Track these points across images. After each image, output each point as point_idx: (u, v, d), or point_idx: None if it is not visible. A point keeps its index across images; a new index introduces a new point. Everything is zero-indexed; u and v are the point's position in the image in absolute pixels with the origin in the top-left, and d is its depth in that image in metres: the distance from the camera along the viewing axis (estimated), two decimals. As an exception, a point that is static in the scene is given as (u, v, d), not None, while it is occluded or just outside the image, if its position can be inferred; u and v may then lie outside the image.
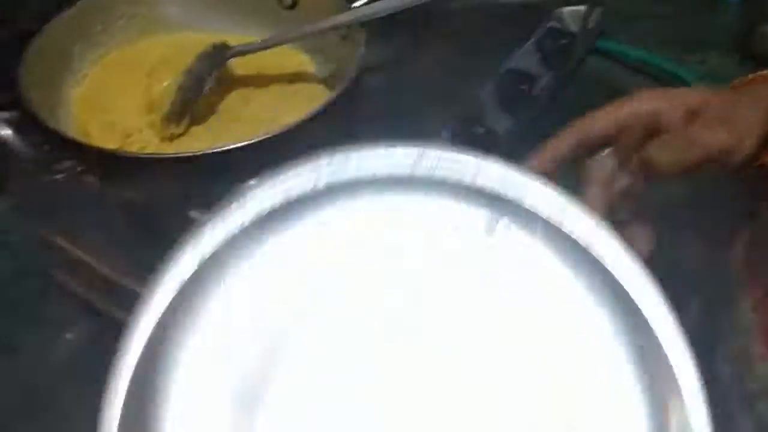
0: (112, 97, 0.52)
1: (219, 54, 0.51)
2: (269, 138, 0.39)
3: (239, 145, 0.39)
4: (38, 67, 0.46)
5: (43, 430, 0.49)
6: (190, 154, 0.38)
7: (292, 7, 0.55)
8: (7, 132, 0.36)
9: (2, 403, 0.51)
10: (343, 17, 0.49)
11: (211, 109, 0.51)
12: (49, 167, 0.38)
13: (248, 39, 0.57)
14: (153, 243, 0.51)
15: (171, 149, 0.49)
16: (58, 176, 0.38)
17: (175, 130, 0.49)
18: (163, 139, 0.50)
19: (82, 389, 0.49)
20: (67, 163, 0.38)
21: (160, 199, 0.50)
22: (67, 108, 0.50)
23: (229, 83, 0.52)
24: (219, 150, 0.39)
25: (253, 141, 0.39)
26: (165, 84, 0.52)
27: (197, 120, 0.50)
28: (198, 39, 0.56)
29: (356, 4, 0.52)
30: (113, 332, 0.52)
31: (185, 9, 0.57)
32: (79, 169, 0.39)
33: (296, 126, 0.40)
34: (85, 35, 0.52)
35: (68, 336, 0.55)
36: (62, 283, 0.55)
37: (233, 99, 0.52)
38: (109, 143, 0.48)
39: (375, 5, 0.48)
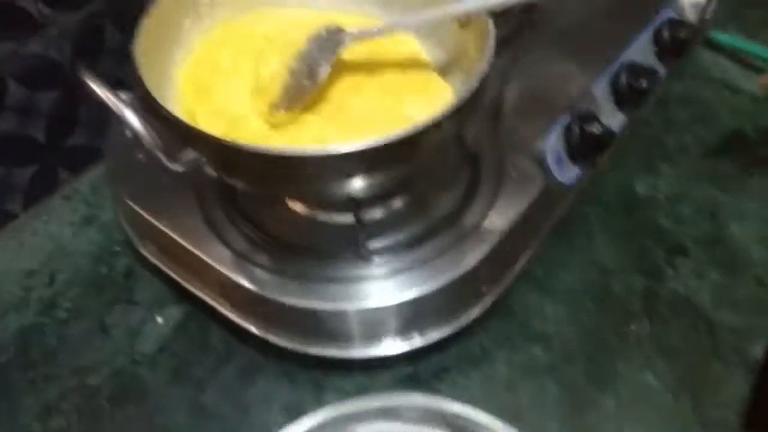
0: (218, 79, 0.49)
1: (333, 39, 0.48)
2: (400, 138, 0.37)
3: (370, 145, 0.36)
4: (153, 42, 0.44)
5: (132, 418, 0.49)
6: (324, 154, 0.36)
7: (407, -12, 0.52)
8: (130, 115, 0.34)
9: (92, 384, 0.51)
10: (472, 3, 0.45)
11: (319, 96, 0.48)
12: (174, 156, 0.36)
13: (357, 18, 0.54)
14: (251, 233, 0.50)
15: (278, 138, 0.46)
16: (181, 167, 0.36)
17: (283, 118, 0.47)
18: (270, 126, 0.47)
19: (169, 382, 0.50)
20: (191, 154, 0.36)
21: (272, 191, 0.49)
22: (175, 87, 0.48)
23: (339, 68, 0.49)
24: (350, 150, 0.36)
25: (384, 141, 0.36)
26: (274, 67, 0.49)
27: (305, 108, 0.48)
28: (307, 16, 0.54)
29: (482, -10, 0.48)
30: (200, 319, 0.51)
31: (292, -15, 0.54)
32: (202, 159, 0.36)
33: (426, 126, 0.37)
34: (193, 8, 0.50)
35: (159, 320, 0.54)
36: (152, 264, 0.55)
37: (343, 86, 0.49)
38: (216, 128, 0.46)
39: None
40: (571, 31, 0.64)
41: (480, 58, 0.43)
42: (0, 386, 0.51)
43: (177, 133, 0.37)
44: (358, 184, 0.40)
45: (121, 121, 0.35)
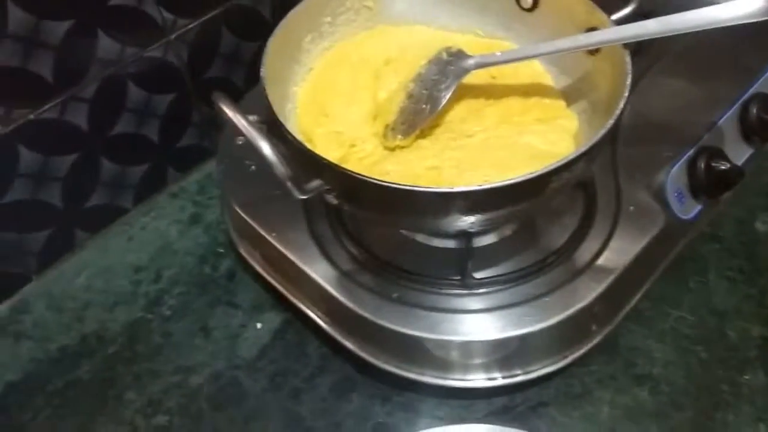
0: (336, 99, 0.49)
1: (454, 63, 0.47)
2: (527, 179, 0.35)
3: (498, 185, 0.35)
4: (276, 61, 0.45)
5: (229, 421, 0.50)
6: (442, 191, 0.35)
7: (532, 9, 0.50)
8: (266, 147, 0.34)
9: (193, 385, 0.52)
10: (601, 36, 0.43)
11: (437, 120, 0.47)
12: (300, 185, 0.36)
13: (481, 38, 0.53)
14: (355, 251, 0.50)
15: (393, 163, 0.46)
16: (306, 196, 0.36)
17: (400, 142, 0.46)
18: (386, 149, 0.47)
19: (265, 389, 0.50)
20: (316, 183, 0.36)
21: (391, 222, 0.48)
22: (293, 106, 0.49)
23: (459, 91, 0.48)
24: (474, 189, 0.35)
25: (515, 181, 0.35)
26: (392, 87, 0.49)
27: (421, 132, 0.47)
28: (426, 35, 0.53)
29: (616, 16, 0.46)
30: (298, 328, 0.52)
31: (413, 3, 0.53)
32: (325, 188, 0.36)
33: (554, 168, 0.36)
34: (315, 27, 0.50)
35: (258, 325, 0.55)
36: (254, 269, 0.56)
37: (462, 110, 0.48)
38: (333, 151, 0.46)
39: (647, 25, 0.42)
40: (697, 53, 0.60)
41: (613, 92, 0.41)
42: (107, 377, 0.53)
43: (303, 160, 0.37)
44: (474, 219, 0.39)
45: (254, 146, 0.35)
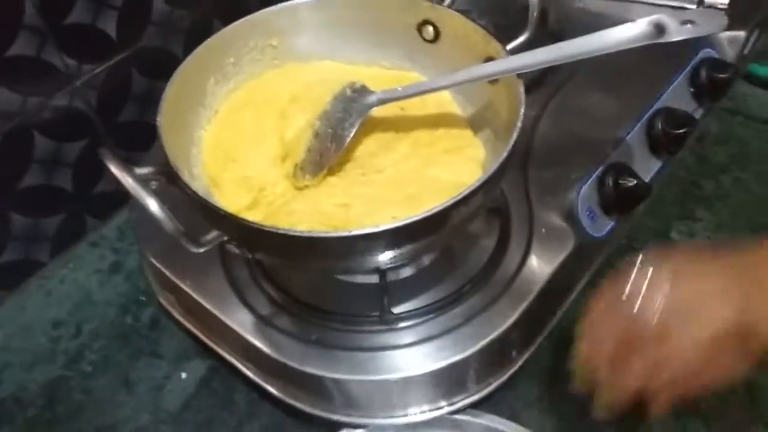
0: (242, 143, 0.49)
1: (357, 99, 0.47)
2: (418, 220, 0.35)
3: (396, 225, 0.35)
4: (177, 104, 0.44)
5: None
6: (349, 235, 0.35)
7: (434, 40, 0.51)
8: (153, 204, 0.33)
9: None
10: (501, 65, 0.44)
11: (346, 156, 0.47)
12: (195, 239, 0.35)
13: (387, 70, 0.53)
14: (274, 294, 0.49)
15: (302, 202, 0.45)
16: (203, 248, 0.35)
17: (309, 182, 0.46)
18: (296, 189, 0.47)
19: None
20: (213, 234, 0.35)
21: (297, 266, 0.48)
22: (198, 151, 0.48)
23: (367, 124, 0.48)
24: (375, 231, 0.35)
25: (416, 219, 0.35)
26: (299, 126, 0.48)
27: (330, 170, 0.47)
28: (333, 70, 0.53)
29: (511, 45, 0.47)
30: (224, 375, 0.50)
31: (318, 39, 0.53)
32: (224, 238, 0.36)
33: (455, 201, 0.36)
34: (218, 68, 0.50)
35: (183, 375, 0.54)
36: (175, 318, 0.54)
37: (372, 144, 0.48)
38: (241, 197, 0.45)
39: (537, 54, 0.43)
40: (604, 72, 0.62)
41: (510, 119, 0.42)
42: (27, 442, 0.51)
43: (201, 211, 0.37)
44: (384, 257, 0.39)
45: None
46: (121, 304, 0.59)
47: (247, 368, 0.49)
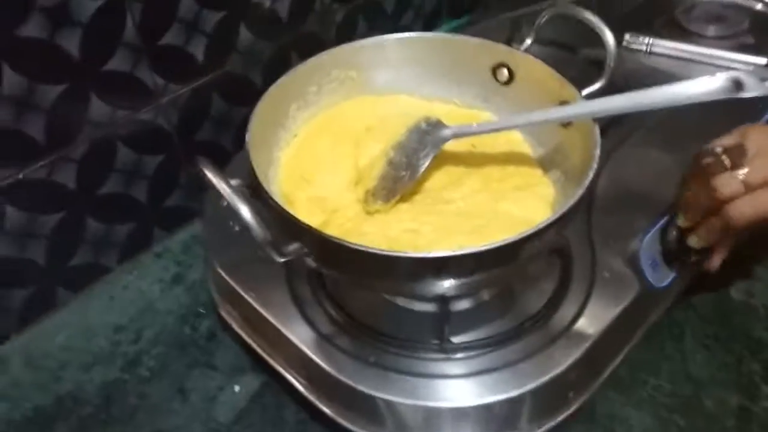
0: (318, 165, 0.51)
1: (431, 133, 0.49)
2: (491, 248, 0.36)
3: (472, 250, 0.36)
4: (262, 126, 0.46)
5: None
6: (416, 256, 0.36)
7: (508, 83, 0.53)
8: (246, 211, 0.35)
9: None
10: (572, 110, 0.45)
11: (417, 187, 0.49)
12: (279, 248, 0.36)
13: (460, 108, 0.55)
14: (335, 314, 0.50)
15: (372, 226, 0.47)
16: (285, 259, 0.37)
17: (380, 207, 0.47)
18: (366, 213, 0.48)
19: None
20: (295, 246, 0.37)
21: (368, 285, 0.49)
22: (276, 170, 0.50)
23: (439, 158, 0.49)
24: (450, 255, 0.36)
25: (489, 247, 0.36)
26: (373, 154, 0.50)
27: (401, 197, 0.48)
28: (407, 104, 0.55)
29: (587, 91, 0.48)
30: (276, 391, 0.51)
31: (395, 75, 0.55)
32: (304, 251, 0.37)
33: (527, 235, 0.37)
34: (301, 95, 0.52)
35: (236, 388, 0.55)
36: (234, 330, 0.56)
37: (443, 178, 0.50)
38: (315, 216, 0.47)
39: (613, 100, 0.44)
40: (670, 125, 0.63)
41: (583, 162, 0.43)
42: (80, 440, 0.53)
43: (283, 224, 0.38)
44: (450, 284, 0.40)
45: (232, 211, 0.36)
46: (181, 314, 0.61)
47: (301, 384, 0.50)
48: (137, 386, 0.56)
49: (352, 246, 0.37)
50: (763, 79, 0.41)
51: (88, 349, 0.59)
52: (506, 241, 0.37)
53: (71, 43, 0.52)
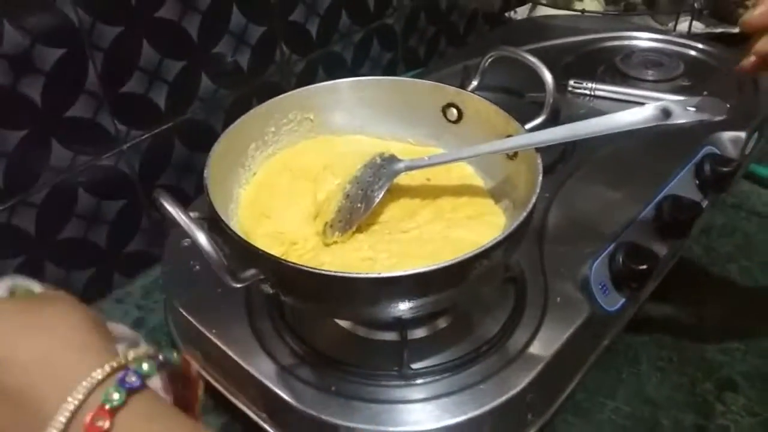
0: (278, 202, 0.52)
1: (386, 166, 0.51)
2: (444, 266, 0.38)
3: (422, 270, 0.38)
4: (221, 163, 0.48)
5: None
6: (372, 277, 0.37)
7: (457, 121, 0.56)
8: (202, 237, 0.36)
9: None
10: (517, 141, 0.48)
11: (374, 219, 0.51)
12: (235, 275, 0.37)
13: (413, 146, 0.58)
14: (296, 346, 0.51)
15: (330, 256, 0.48)
16: (241, 285, 0.38)
17: (338, 238, 0.49)
18: (325, 245, 0.49)
19: None
20: (251, 272, 0.38)
21: (325, 310, 0.50)
22: (236, 206, 0.51)
23: (394, 192, 0.51)
24: (401, 274, 0.37)
25: (438, 266, 0.37)
26: (331, 189, 0.52)
27: (359, 229, 0.50)
28: (363, 143, 0.57)
29: (530, 125, 0.51)
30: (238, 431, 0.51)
31: (351, 115, 0.58)
32: (261, 277, 0.38)
33: (474, 255, 0.39)
34: (259, 135, 0.54)
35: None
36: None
37: (398, 210, 0.51)
38: (273, 249, 0.48)
39: (554, 131, 0.47)
40: (613, 161, 0.67)
41: (528, 190, 0.45)
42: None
43: (240, 252, 0.39)
44: (407, 305, 0.41)
45: (191, 240, 0.37)
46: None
47: (264, 421, 0.50)
48: (95, 433, 0.55)
49: (307, 269, 0.38)
50: (688, 108, 0.44)
51: (45, 398, 0.57)
52: (455, 260, 0.38)
53: (33, 90, 0.54)
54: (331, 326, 0.52)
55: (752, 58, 0.47)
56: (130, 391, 0.29)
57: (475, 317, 0.52)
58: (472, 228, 0.48)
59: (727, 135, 0.70)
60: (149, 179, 0.66)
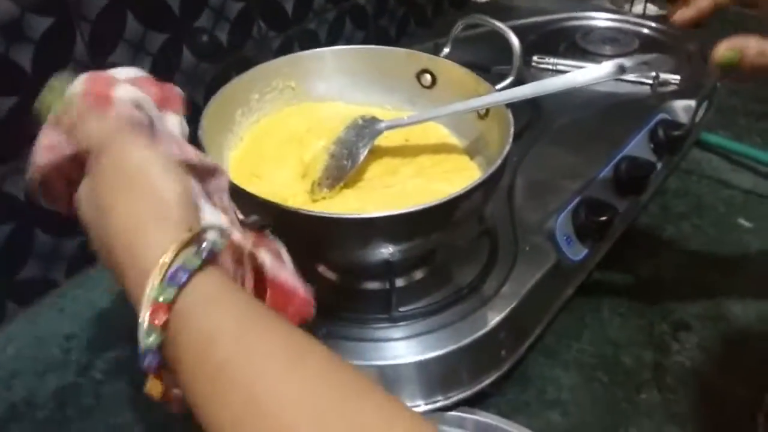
0: (267, 163, 0.55)
1: (369, 126, 0.54)
2: (431, 206, 0.42)
3: (410, 210, 0.41)
4: (211, 127, 0.51)
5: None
6: (366, 217, 0.41)
7: (431, 86, 0.59)
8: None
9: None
10: (489, 99, 0.52)
11: (359, 177, 0.54)
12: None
13: (390, 111, 0.61)
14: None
15: (318, 209, 0.51)
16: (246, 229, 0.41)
17: (326, 194, 0.52)
18: (313, 201, 0.53)
19: None
20: (254, 218, 0.41)
21: (321, 254, 0.53)
22: (227, 168, 0.54)
23: (376, 153, 0.55)
24: (392, 213, 0.41)
25: (420, 208, 0.41)
26: (316, 150, 0.55)
27: (346, 185, 0.53)
28: (343, 109, 0.61)
29: (499, 86, 0.55)
30: None
31: (330, 84, 0.61)
32: (262, 223, 0.41)
33: (456, 197, 0.43)
34: (245, 102, 0.57)
35: None
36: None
37: (380, 168, 0.55)
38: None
39: (521, 89, 0.51)
40: (574, 129, 0.72)
41: (500, 144, 0.49)
42: (36, 443, 0.53)
43: (243, 201, 0.42)
44: (395, 247, 0.45)
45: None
46: (131, 321, 0.63)
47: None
48: (92, 388, 0.57)
49: (305, 212, 0.41)
50: (641, 64, 0.49)
51: (40, 358, 0.60)
52: (440, 201, 0.42)
53: (24, 57, 0.55)
54: (323, 279, 0.55)
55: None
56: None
57: (454, 267, 0.56)
58: (452, 181, 0.53)
59: (679, 103, 0.75)
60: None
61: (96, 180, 0.35)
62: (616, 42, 0.88)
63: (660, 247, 0.70)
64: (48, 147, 0.37)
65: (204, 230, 0.33)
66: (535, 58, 0.85)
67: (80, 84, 0.37)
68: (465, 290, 0.53)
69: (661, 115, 0.74)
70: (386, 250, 0.45)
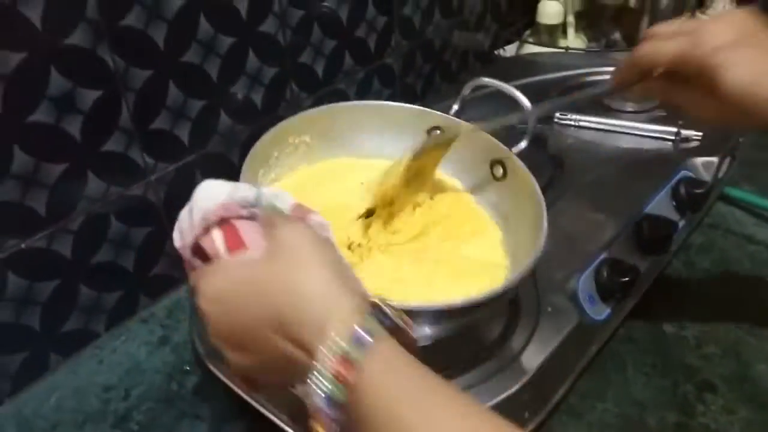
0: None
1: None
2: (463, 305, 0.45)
3: (448, 304, 0.45)
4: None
5: None
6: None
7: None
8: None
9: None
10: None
11: (390, 238, 0.58)
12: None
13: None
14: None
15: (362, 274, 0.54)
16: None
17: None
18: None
19: None
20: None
21: None
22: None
23: (406, 212, 0.59)
24: (432, 308, 0.45)
25: (446, 306, 0.44)
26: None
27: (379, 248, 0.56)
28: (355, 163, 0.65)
29: (515, 149, 0.58)
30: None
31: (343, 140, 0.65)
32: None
33: (484, 298, 0.46)
34: (266, 161, 0.61)
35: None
36: (220, 381, 0.60)
37: (411, 228, 0.59)
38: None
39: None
40: (596, 186, 0.73)
41: (517, 209, 0.52)
42: (73, 494, 0.55)
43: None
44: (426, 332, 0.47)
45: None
46: (167, 373, 0.66)
47: (284, 422, 0.54)
48: (129, 439, 0.59)
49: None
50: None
51: (80, 409, 0.62)
52: (481, 298, 0.45)
53: (74, 127, 0.60)
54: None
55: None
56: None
57: (476, 329, 0.58)
58: (477, 245, 0.55)
59: (701, 160, 0.76)
60: (173, 207, 0.72)
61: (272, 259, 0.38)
62: (638, 99, 0.89)
63: (684, 303, 0.70)
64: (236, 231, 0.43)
65: (382, 300, 0.36)
66: (557, 114, 0.87)
67: (288, 207, 0.43)
68: (487, 352, 0.54)
69: (683, 173, 0.75)
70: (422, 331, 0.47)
